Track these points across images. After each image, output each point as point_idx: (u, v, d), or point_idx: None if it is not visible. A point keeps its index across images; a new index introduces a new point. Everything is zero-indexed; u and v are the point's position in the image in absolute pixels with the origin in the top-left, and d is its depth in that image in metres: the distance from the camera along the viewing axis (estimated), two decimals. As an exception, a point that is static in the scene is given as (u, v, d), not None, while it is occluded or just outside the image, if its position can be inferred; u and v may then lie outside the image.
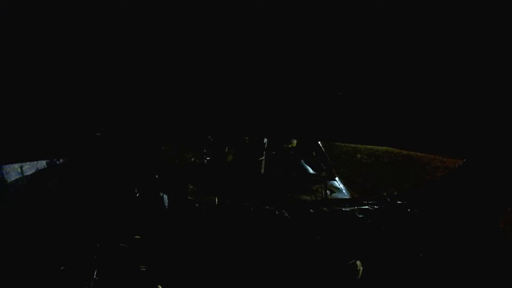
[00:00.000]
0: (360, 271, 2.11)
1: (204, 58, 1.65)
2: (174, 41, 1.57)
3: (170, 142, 3.41)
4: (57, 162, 2.75)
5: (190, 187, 2.74)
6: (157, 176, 2.66)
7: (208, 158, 3.44)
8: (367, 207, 2.48)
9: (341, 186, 3.70)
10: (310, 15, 1.41)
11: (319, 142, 3.96)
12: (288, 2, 1.37)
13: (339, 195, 3.47)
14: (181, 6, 1.40)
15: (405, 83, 1.70)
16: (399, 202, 2.52)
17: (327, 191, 3.22)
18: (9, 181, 2.71)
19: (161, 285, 2.10)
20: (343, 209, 2.48)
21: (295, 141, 3.99)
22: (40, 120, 1.92)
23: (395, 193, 2.65)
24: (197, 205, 2.46)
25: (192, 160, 3.38)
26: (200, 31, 1.49)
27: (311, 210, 2.45)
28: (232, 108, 1.99)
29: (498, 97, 1.67)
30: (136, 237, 2.26)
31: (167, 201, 2.44)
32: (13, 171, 2.72)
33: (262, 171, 3.51)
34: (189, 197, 2.55)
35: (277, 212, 2.43)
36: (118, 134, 2.43)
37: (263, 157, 3.51)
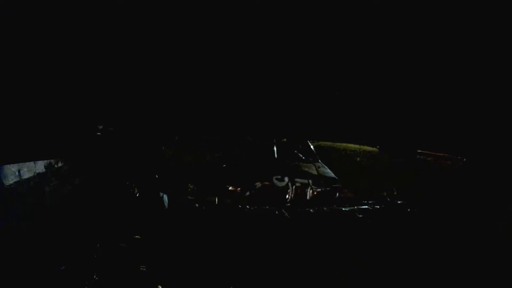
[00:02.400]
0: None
1: (203, 58, 1.65)
2: (174, 42, 1.58)
3: (170, 142, 3.41)
4: (56, 165, 2.75)
5: (190, 187, 2.74)
6: (157, 176, 2.66)
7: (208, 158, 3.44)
8: (367, 207, 2.47)
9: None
10: (310, 16, 1.41)
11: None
12: (288, 2, 1.38)
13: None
14: (181, 7, 1.41)
15: (404, 83, 1.70)
16: (399, 202, 2.52)
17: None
18: (7, 184, 2.70)
19: (161, 285, 2.10)
20: (343, 209, 2.47)
21: None
22: (40, 120, 1.92)
23: (395, 193, 2.65)
24: (197, 205, 2.46)
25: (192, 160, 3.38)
26: (200, 31, 1.50)
27: (311, 210, 2.45)
28: (231, 109, 1.99)
29: (498, 97, 1.68)
30: (136, 237, 2.26)
31: (167, 201, 2.45)
32: (11, 174, 2.71)
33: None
34: (189, 197, 2.55)
35: (277, 212, 2.43)
36: (118, 134, 2.43)
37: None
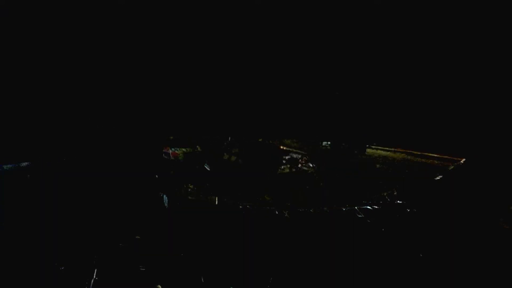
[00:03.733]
0: None
1: (204, 58, 1.65)
2: (175, 42, 1.58)
3: (170, 142, 3.41)
4: (55, 165, 2.75)
5: (190, 187, 2.74)
6: (157, 176, 2.66)
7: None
8: (367, 207, 2.48)
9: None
10: (310, 16, 1.41)
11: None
12: (288, 2, 1.38)
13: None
14: (181, 7, 1.41)
15: (405, 83, 1.70)
16: (399, 202, 2.52)
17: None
18: (6, 184, 2.71)
19: (161, 285, 2.10)
20: (343, 209, 2.48)
21: None
22: (39, 119, 1.92)
23: (395, 193, 2.65)
24: (197, 205, 2.47)
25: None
26: (200, 31, 1.50)
27: (311, 210, 2.45)
28: (231, 109, 1.99)
29: (498, 97, 1.68)
30: (136, 237, 2.27)
31: (167, 201, 2.45)
32: (9, 174, 2.72)
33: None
34: (189, 197, 2.55)
35: (276, 212, 2.43)
36: (118, 134, 2.43)
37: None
